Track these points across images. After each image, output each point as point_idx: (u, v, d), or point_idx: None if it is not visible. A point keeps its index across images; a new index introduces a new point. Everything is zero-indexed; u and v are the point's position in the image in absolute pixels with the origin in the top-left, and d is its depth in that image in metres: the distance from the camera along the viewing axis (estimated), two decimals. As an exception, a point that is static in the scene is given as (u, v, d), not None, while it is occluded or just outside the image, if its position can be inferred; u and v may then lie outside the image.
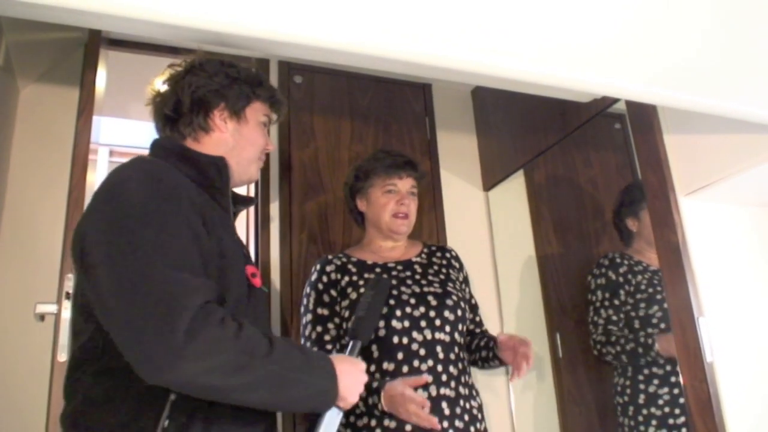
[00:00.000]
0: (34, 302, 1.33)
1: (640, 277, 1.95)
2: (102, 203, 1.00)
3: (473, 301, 1.77)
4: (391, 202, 1.68)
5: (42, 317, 1.34)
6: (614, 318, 1.95)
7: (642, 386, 1.84)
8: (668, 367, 1.81)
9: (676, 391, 1.77)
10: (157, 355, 0.85)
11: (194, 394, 0.92)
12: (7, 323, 1.69)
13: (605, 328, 1.96)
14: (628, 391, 1.88)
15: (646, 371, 1.85)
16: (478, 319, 1.75)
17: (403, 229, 1.69)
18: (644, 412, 1.82)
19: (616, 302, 1.96)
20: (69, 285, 1.32)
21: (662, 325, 1.83)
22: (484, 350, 1.62)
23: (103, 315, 0.94)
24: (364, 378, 1.11)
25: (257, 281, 1.16)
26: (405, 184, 1.70)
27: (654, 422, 1.80)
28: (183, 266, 0.94)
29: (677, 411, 1.76)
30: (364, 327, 1.30)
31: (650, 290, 1.91)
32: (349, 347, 1.26)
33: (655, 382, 1.82)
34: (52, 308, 1.32)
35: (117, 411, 0.94)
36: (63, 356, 1.29)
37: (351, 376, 1.07)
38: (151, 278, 0.89)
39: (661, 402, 1.80)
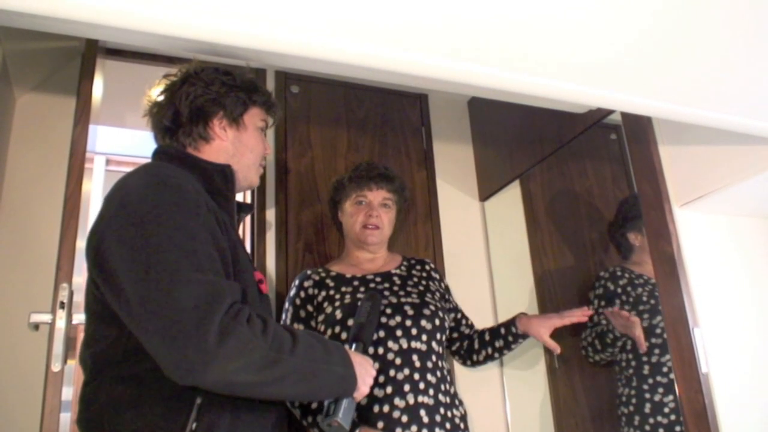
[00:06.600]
0: (29, 311, 1.32)
1: (640, 290, 1.95)
2: (118, 208, 0.99)
3: (459, 307, 1.87)
4: (361, 214, 1.70)
5: (36, 326, 1.33)
6: (603, 322, 1.98)
7: (647, 395, 1.84)
8: (672, 376, 1.81)
9: (681, 398, 1.77)
10: (190, 358, 0.86)
11: (226, 392, 0.94)
12: (0, 332, 1.68)
13: (593, 330, 2.00)
14: (634, 401, 1.87)
15: (650, 380, 1.85)
16: (470, 322, 1.86)
17: (373, 240, 1.70)
18: (651, 420, 1.82)
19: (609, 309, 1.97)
20: (64, 294, 1.32)
21: (665, 336, 1.83)
22: (501, 339, 1.74)
23: (130, 320, 0.93)
24: (373, 372, 1.17)
25: (264, 287, 1.18)
26: (376, 195, 1.72)
27: (661, 430, 1.79)
28: (208, 269, 0.94)
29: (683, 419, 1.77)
30: (366, 331, 1.34)
31: (652, 302, 1.91)
32: (353, 349, 1.28)
33: (660, 390, 1.82)
34: (46, 317, 1.31)
35: (144, 415, 0.95)
36: (57, 366, 1.28)
37: (362, 368, 1.13)
38: (178, 282, 0.90)
39: (666, 410, 1.79)
